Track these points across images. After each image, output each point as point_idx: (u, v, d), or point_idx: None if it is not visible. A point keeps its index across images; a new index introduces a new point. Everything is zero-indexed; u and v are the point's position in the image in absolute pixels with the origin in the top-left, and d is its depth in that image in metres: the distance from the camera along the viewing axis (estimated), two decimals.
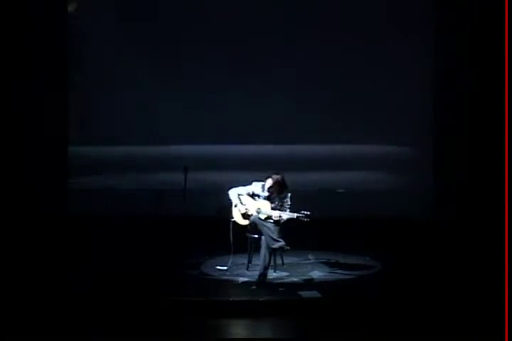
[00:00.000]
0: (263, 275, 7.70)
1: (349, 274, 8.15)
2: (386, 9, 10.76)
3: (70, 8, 10.97)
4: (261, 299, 7.14)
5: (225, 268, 8.24)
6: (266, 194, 8.09)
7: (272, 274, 7.96)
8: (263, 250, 7.73)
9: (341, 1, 10.89)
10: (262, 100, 10.73)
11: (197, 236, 9.04)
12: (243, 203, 8.10)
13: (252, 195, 8.15)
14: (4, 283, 7.57)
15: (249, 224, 8.06)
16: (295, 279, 7.93)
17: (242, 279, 7.91)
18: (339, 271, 8.25)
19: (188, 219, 8.42)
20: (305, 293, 7.30)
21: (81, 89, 11.00)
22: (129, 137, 10.93)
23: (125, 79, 10.89)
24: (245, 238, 8.17)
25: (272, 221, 7.86)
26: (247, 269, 8.19)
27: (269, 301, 7.10)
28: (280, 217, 7.82)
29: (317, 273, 8.15)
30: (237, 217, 8.15)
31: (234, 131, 10.79)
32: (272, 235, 7.72)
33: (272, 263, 7.88)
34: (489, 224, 9.32)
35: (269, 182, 8.07)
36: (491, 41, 10.07)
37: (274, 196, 8.03)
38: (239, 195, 8.13)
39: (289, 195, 8.05)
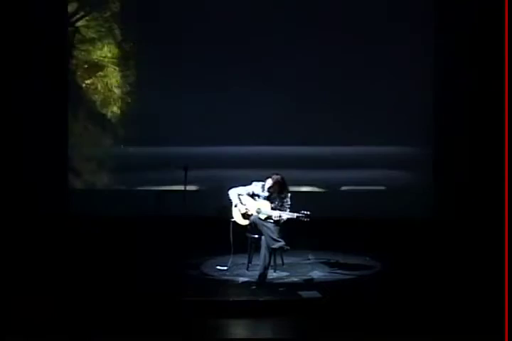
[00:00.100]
0: (263, 275, 7.69)
1: (349, 274, 8.14)
2: (386, 9, 10.77)
3: (71, 8, 10.99)
4: (261, 299, 7.14)
5: (225, 268, 8.23)
6: (266, 194, 8.08)
7: (271, 274, 7.96)
8: (263, 250, 7.73)
9: (341, 1, 10.89)
10: (261, 100, 10.74)
11: (197, 236, 9.04)
12: (243, 203, 8.09)
13: (252, 195, 8.14)
14: (4, 283, 7.57)
15: (249, 224, 8.06)
16: (295, 279, 7.92)
17: (242, 279, 7.90)
18: (339, 271, 8.25)
19: (188, 219, 8.41)
20: (305, 293, 7.30)
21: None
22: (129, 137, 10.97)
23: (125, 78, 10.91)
24: (245, 238, 8.17)
25: (271, 221, 7.86)
26: (247, 269, 8.18)
27: (269, 301, 7.10)
28: (280, 217, 7.82)
29: (317, 273, 8.15)
30: (237, 217, 8.14)
31: (233, 131, 10.81)
32: (272, 235, 7.71)
33: (272, 263, 7.87)
34: (489, 223, 9.33)
35: (269, 182, 8.06)
36: (491, 41, 10.07)
37: (274, 196, 8.03)
38: (239, 195, 8.12)
39: (289, 194, 8.05)
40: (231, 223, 8.13)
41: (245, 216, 8.07)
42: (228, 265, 8.24)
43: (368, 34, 10.69)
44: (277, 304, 7.08)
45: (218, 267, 8.32)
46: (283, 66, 10.76)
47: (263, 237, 7.78)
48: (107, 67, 11.00)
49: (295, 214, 7.76)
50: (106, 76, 11.01)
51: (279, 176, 8.05)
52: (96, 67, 11.02)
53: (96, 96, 11.06)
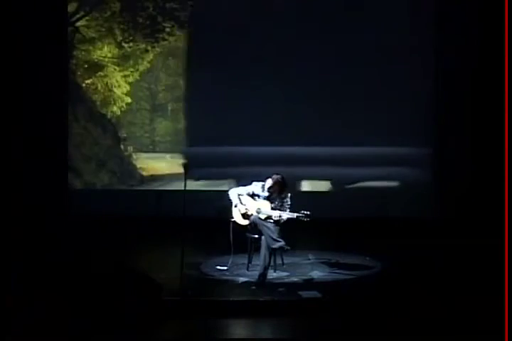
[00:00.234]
0: (263, 275, 7.69)
1: (349, 274, 8.14)
2: (386, 9, 10.76)
3: (71, 8, 11.00)
4: (261, 299, 7.14)
5: (225, 268, 8.23)
6: (266, 194, 8.08)
7: (271, 274, 7.96)
8: (263, 250, 7.73)
9: (341, 1, 10.89)
10: (259, 102, 10.77)
11: (197, 236, 9.04)
12: (243, 203, 8.09)
13: (252, 195, 8.14)
14: (4, 283, 7.57)
15: (249, 224, 8.06)
16: (295, 279, 7.92)
17: (242, 279, 7.90)
18: (339, 271, 8.24)
19: (188, 219, 8.39)
20: (305, 293, 7.30)
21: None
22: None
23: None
24: (245, 238, 8.17)
25: (272, 221, 7.86)
26: (247, 269, 8.18)
27: (269, 301, 7.10)
28: (280, 216, 7.82)
29: (317, 273, 8.15)
30: (237, 217, 8.14)
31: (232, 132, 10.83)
32: (272, 235, 7.71)
33: (272, 263, 7.87)
34: (489, 223, 9.32)
35: (269, 182, 8.06)
36: (491, 41, 10.07)
37: (274, 196, 8.03)
38: (239, 195, 8.12)
39: (289, 194, 8.05)
40: (231, 223, 8.13)
41: (245, 216, 8.07)
42: (228, 265, 8.23)
43: (368, 34, 10.69)
44: (277, 304, 7.08)
45: (218, 267, 8.32)
46: (290, 66, 10.78)
47: (263, 237, 7.78)
48: (107, 67, 11.01)
49: (295, 214, 7.76)
50: (106, 76, 11.02)
51: (279, 176, 8.04)
52: (96, 67, 11.03)
53: (96, 96, 11.07)
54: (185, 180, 7.40)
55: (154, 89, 11.15)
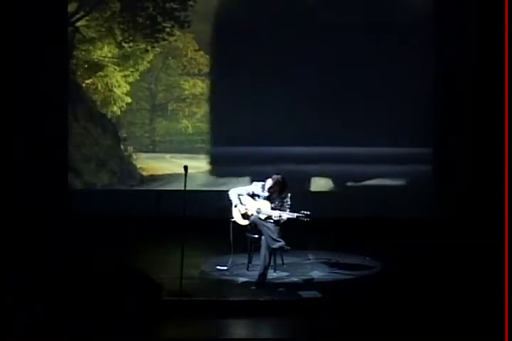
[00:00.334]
0: (263, 275, 7.69)
1: (349, 274, 8.14)
2: (386, 9, 10.77)
3: (71, 8, 11.00)
4: (261, 299, 7.14)
5: (225, 268, 8.23)
6: (266, 194, 8.07)
7: (271, 274, 7.96)
8: (263, 250, 7.73)
9: (341, 1, 10.89)
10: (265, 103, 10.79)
11: (197, 236, 9.03)
12: (243, 203, 8.09)
13: (252, 195, 8.14)
14: (4, 283, 7.57)
15: (249, 224, 8.06)
16: (295, 279, 7.92)
17: (242, 279, 7.90)
18: (339, 271, 8.24)
19: (188, 219, 8.39)
20: (305, 293, 7.30)
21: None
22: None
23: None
24: (245, 238, 8.16)
25: (272, 221, 7.85)
26: (247, 269, 8.18)
27: (269, 301, 7.09)
28: (280, 216, 7.81)
29: (317, 273, 8.15)
30: (237, 217, 8.14)
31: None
32: (272, 235, 7.71)
33: (271, 263, 7.87)
34: (489, 223, 9.33)
35: (269, 182, 8.06)
36: (491, 41, 10.07)
37: (274, 196, 8.02)
38: (239, 195, 8.12)
39: (289, 194, 8.04)
40: (231, 223, 8.13)
41: (245, 216, 8.07)
42: (228, 265, 8.23)
43: (368, 34, 10.70)
44: (277, 304, 7.08)
45: (218, 267, 8.31)
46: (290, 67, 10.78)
47: (263, 237, 7.77)
48: (107, 67, 11.01)
49: (295, 214, 7.76)
50: (106, 76, 11.02)
51: (279, 176, 8.04)
52: (96, 67, 11.03)
53: (96, 96, 11.07)
54: (185, 180, 7.40)
55: (154, 89, 11.16)
